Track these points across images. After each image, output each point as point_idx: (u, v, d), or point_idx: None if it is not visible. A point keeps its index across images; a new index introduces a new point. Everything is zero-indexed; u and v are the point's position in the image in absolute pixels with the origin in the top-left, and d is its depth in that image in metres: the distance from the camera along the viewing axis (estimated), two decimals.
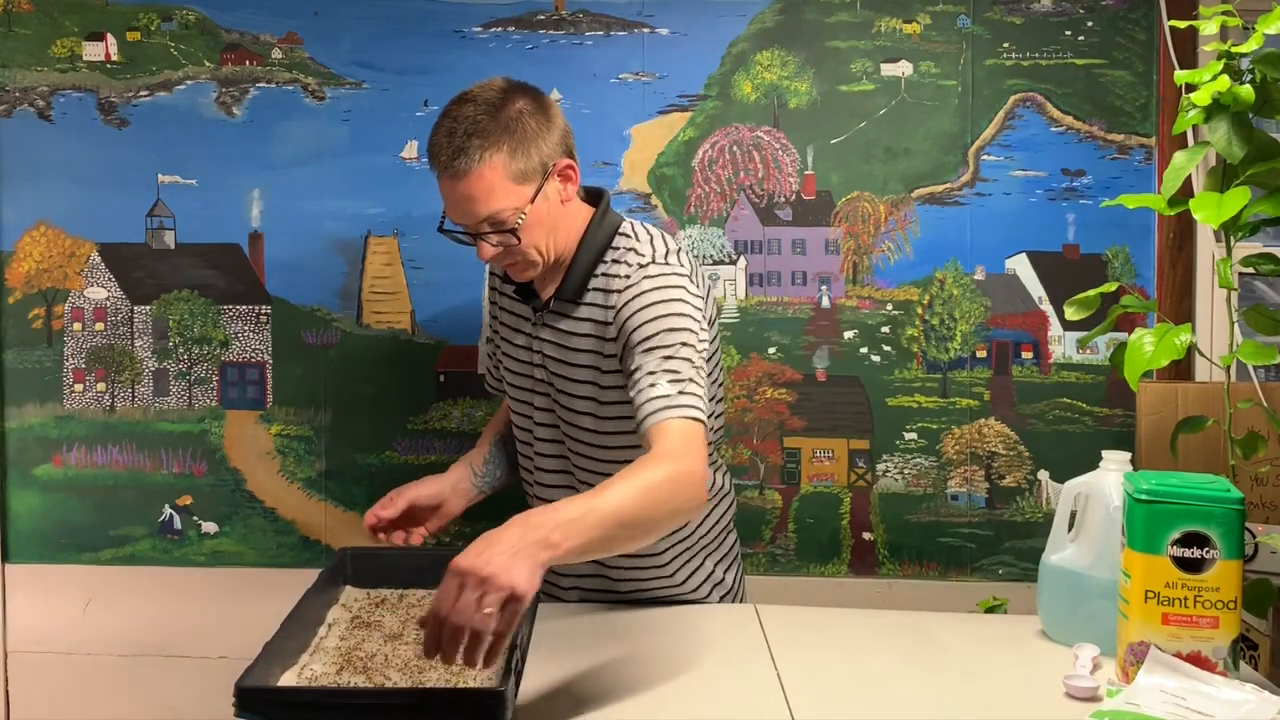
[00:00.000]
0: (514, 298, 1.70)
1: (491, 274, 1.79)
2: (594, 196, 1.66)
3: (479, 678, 1.26)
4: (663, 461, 1.36)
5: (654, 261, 1.56)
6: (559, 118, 1.56)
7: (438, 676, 1.27)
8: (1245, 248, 1.94)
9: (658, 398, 1.43)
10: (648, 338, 1.49)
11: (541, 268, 1.59)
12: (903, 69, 2.18)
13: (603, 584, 1.71)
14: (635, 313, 1.52)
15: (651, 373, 1.45)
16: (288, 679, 1.25)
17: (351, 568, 1.56)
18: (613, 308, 1.55)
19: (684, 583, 1.71)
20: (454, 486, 1.73)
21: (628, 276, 1.56)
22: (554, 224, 1.57)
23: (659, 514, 1.34)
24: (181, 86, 2.22)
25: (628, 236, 1.61)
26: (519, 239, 1.52)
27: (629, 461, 1.37)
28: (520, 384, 1.70)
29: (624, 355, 1.53)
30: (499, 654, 1.16)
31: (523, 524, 1.21)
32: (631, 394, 1.47)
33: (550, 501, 1.30)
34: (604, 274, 1.59)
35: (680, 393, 1.44)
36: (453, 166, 1.48)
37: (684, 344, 1.48)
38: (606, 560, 1.66)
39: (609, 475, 1.36)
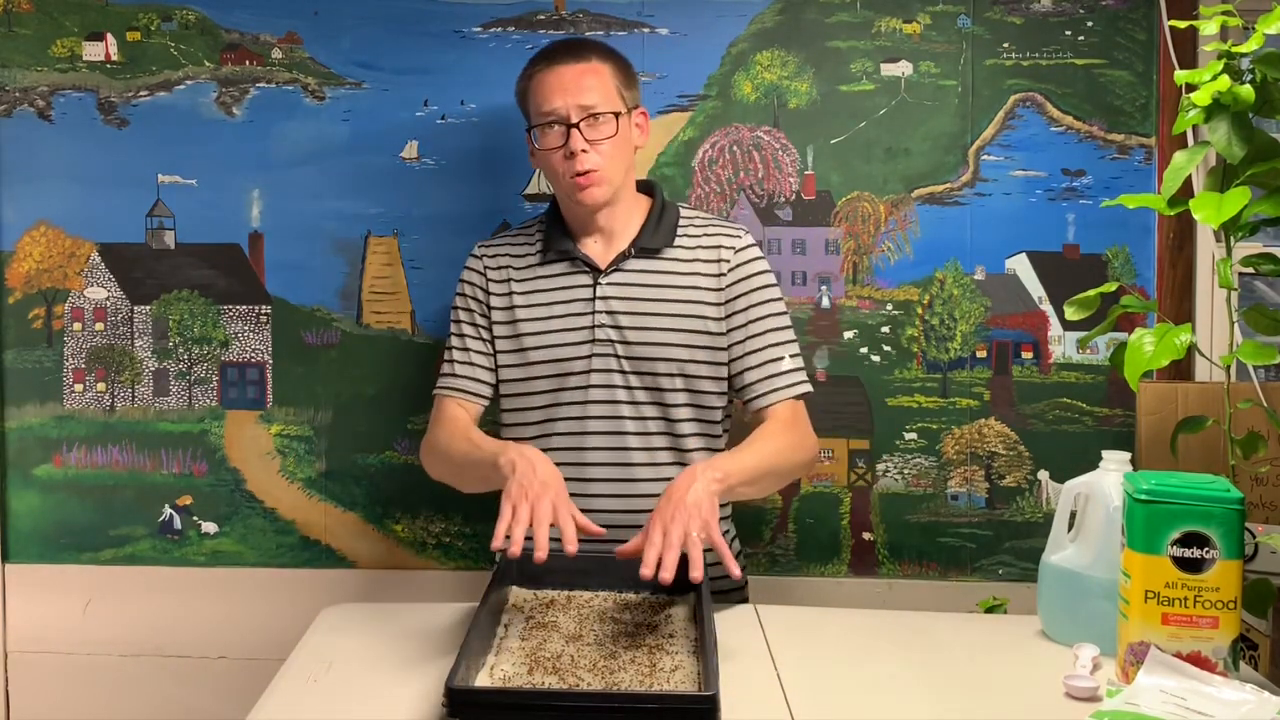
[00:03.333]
0: (542, 276, 1.77)
1: (486, 270, 1.81)
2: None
3: (671, 680, 1.27)
4: (795, 430, 1.71)
5: (758, 244, 1.80)
6: None
7: (629, 676, 1.28)
8: (1245, 248, 1.94)
9: (785, 373, 1.73)
10: (768, 304, 1.75)
11: (609, 194, 1.72)
12: (903, 69, 2.18)
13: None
14: (753, 275, 1.75)
15: (778, 344, 1.74)
16: (481, 680, 1.27)
17: (517, 569, 1.56)
18: (725, 261, 1.75)
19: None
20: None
21: (738, 237, 1.78)
22: (629, 160, 1.76)
23: (787, 469, 1.69)
24: (181, 86, 2.22)
25: (704, 212, 1.88)
26: (617, 130, 1.69)
27: (693, 391, 1.73)
28: (569, 355, 1.73)
29: (735, 312, 1.75)
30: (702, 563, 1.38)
31: (702, 469, 1.50)
32: (750, 357, 1.73)
33: (630, 451, 1.71)
34: (700, 229, 1.79)
35: (798, 369, 1.75)
36: (573, 53, 1.71)
37: (789, 324, 1.77)
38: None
39: (688, 403, 1.73)
